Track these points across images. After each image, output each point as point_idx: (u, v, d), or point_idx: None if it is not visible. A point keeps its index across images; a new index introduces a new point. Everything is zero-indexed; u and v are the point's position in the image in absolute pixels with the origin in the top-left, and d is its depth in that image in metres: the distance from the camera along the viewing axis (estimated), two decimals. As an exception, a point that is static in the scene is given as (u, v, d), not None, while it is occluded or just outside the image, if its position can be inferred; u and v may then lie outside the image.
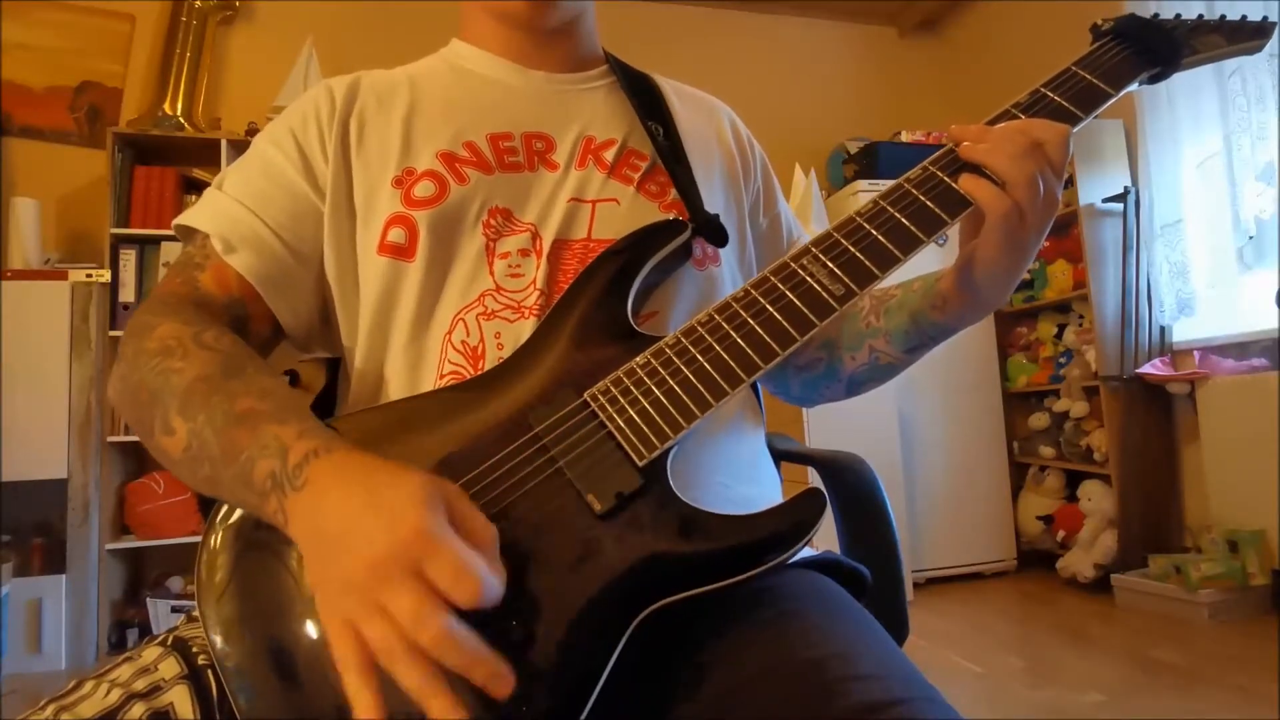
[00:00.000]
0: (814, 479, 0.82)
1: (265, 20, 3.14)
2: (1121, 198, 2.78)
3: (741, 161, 0.78)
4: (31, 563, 2.35)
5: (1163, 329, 2.75)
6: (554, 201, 0.64)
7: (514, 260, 0.61)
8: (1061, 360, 3.01)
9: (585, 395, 0.52)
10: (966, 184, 0.56)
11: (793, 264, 0.56)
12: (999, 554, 3.06)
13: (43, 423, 2.39)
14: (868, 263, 0.55)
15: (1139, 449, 2.70)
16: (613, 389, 0.52)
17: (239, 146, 2.71)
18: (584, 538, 0.48)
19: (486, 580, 0.40)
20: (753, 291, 0.55)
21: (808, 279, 0.55)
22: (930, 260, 0.57)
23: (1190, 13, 0.69)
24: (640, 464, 0.49)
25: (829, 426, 2.65)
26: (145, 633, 2.45)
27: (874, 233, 0.56)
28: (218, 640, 0.48)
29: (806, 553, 0.62)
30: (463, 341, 0.59)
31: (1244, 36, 0.68)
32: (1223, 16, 0.68)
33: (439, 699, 0.39)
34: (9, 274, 2.46)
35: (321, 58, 2.83)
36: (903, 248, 0.55)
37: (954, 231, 0.59)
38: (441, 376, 0.59)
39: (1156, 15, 0.67)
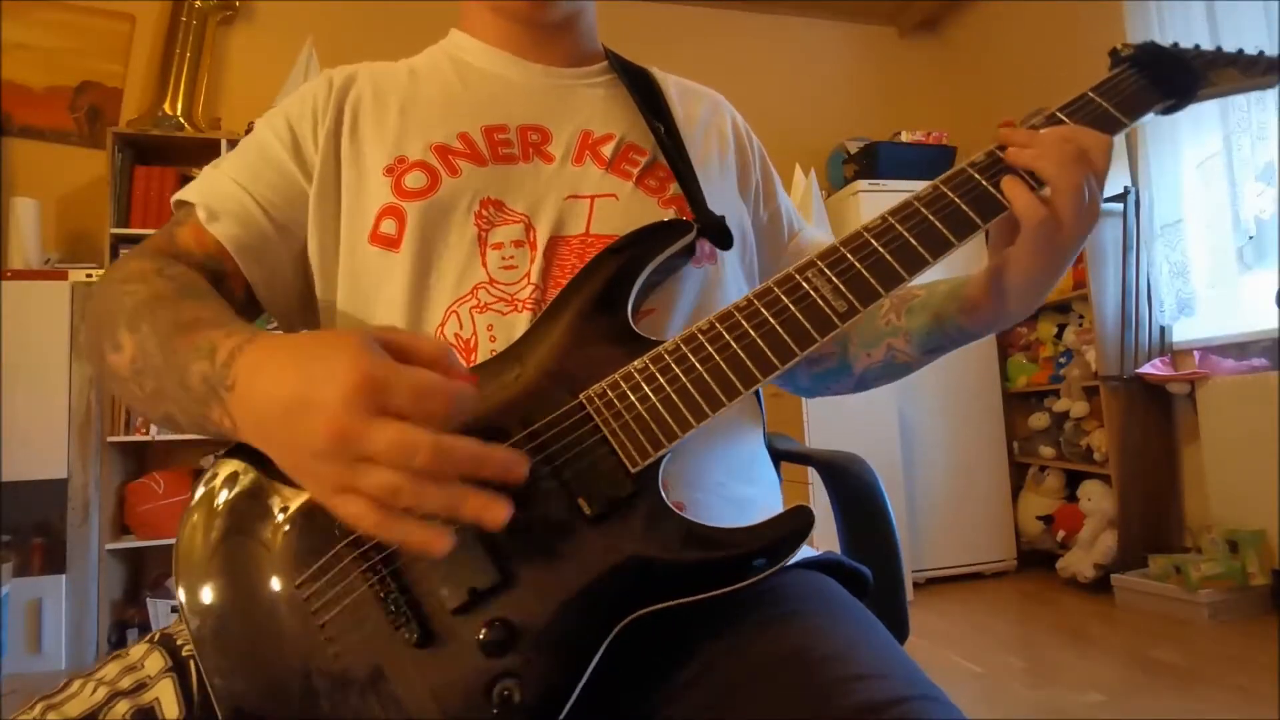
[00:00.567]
0: (814, 479, 0.81)
1: (265, 20, 3.14)
2: (1121, 198, 2.78)
3: (740, 156, 0.78)
4: (31, 563, 2.35)
5: (1163, 329, 2.75)
6: (548, 193, 0.63)
7: (508, 251, 0.61)
8: (1061, 360, 3.01)
9: (581, 397, 0.51)
10: (1008, 187, 0.56)
11: (798, 276, 0.55)
12: (999, 554, 3.06)
13: (43, 423, 2.39)
14: (872, 279, 0.54)
15: (1139, 449, 2.70)
16: (609, 392, 0.51)
17: (239, 146, 2.71)
18: (572, 540, 0.48)
19: (450, 386, 0.39)
20: (756, 302, 0.55)
21: (811, 293, 0.54)
22: (950, 262, 0.57)
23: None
24: (633, 470, 0.49)
25: (829, 426, 2.65)
26: (145, 633, 2.44)
27: (880, 249, 0.55)
28: (193, 622, 0.48)
29: (807, 552, 0.63)
30: (455, 334, 0.59)
31: (1259, 71, 0.67)
32: (1240, 50, 0.68)
33: (469, 501, 0.38)
34: (9, 274, 2.46)
35: (321, 58, 2.83)
36: (908, 266, 0.55)
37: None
38: None
39: (1176, 44, 0.66)
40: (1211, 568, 2.29)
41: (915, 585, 2.87)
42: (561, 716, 0.44)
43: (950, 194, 0.57)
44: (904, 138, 3.39)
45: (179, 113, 2.83)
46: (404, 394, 0.38)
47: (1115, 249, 2.79)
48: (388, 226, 0.61)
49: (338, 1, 3.18)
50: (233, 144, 2.75)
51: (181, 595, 0.49)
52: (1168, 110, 0.65)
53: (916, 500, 2.95)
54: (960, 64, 3.88)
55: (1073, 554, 2.76)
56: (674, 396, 0.51)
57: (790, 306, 0.54)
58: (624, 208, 0.64)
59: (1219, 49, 0.68)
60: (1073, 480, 2.94)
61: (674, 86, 0.77)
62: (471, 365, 0.57)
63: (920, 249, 0.55)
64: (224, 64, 3.08)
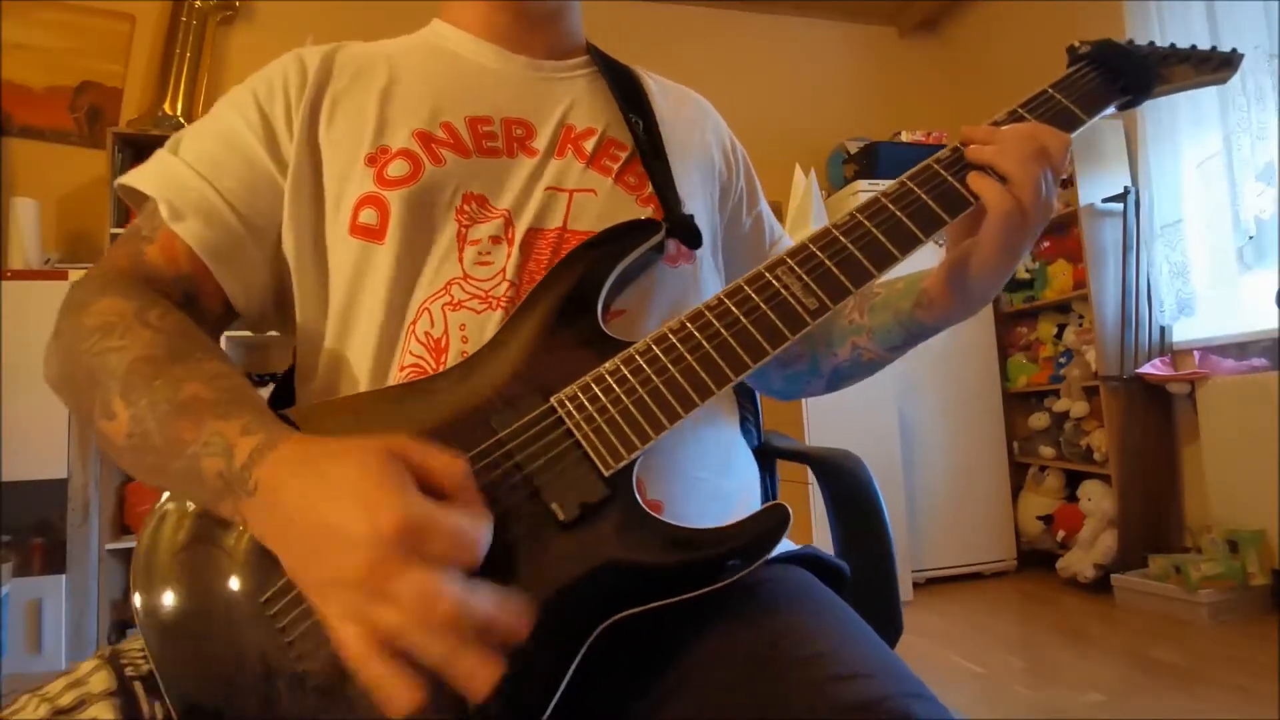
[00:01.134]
0: (814, 477, 0.82)
1: (265, 20, 3.14)
2: (1121, 198, 2.78)
3: (724, 161, 0.77)
4: (31, 563, 2.35)
5: (1163, 329, 2.75)
6: (531, 189, 0.62)
7: (484, 247, 0.59)
8: (1061, 360, 3.01)
9: (552, 400, 0.51)
10: (975, 182, 0.57)
11: (768, 275, 0.56)
12: (999, 554, 3.06)
13: (43, 423, 2.39)
14: (841, 276, 0.55)
15: (1139, 449, 2.70)
16: (580, 395, 0.51)
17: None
18: (547, 547, 0.47)
19: (480, 536, 0.40)
20: (726, 301, 0.55)
21: (782, 291, 0.54)
22: (918, 257, 0.57)
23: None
24: (606, 474, 0.49)
25: (829, 425, 2.65)
26: (145, 633, 2.44)
27: (849, 246, 0.56)
28: (155, 645, 0.47)
29: (787, 547, 0.62)
30: (426, 333, 0.57)
31: (1211, 68, 0.69)
32: (1193, 46, 0.70)
33: (467, 658, 0.38)
34: (9, 274, 2.46)
35: (321, 58, 2.83)
36: (877, 262, 0.55)
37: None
38: (402, 369, 0.57)
39: (1131, 41, 0.68)
40: (1211, 568, 2.29)
41: (915, 585, 2.86)
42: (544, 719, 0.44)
43: (917, 190, 0.58)
44: (904, 138, 3.39)
45: (179, 113, 2.83)
46: (440, 542, 0.39)
47: (1115, 249, 2.79)
48: (368, 216, 0.59)
49: (338, 1, 3.18)
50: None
51: (139, 608, 0.48)
52: (1125, 106, 0.66)
53: (916, 500, 2.94)
54: (960, 64, 3.88)
55: (1073, 554, 2.76)
56: (646, 398, 0.50)
57: (761, 305, 0.54)
58: (601, 204, 0.63)
59: (1173, 46, 0.69)
60: (1073, 480, 2.94)
61: (655, 85, 0.76)
62: (441, 367, 0.56)
63: (889, 245, 0.56)
64: (224, 64, 3.08)
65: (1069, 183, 2.79)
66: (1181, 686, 1.85)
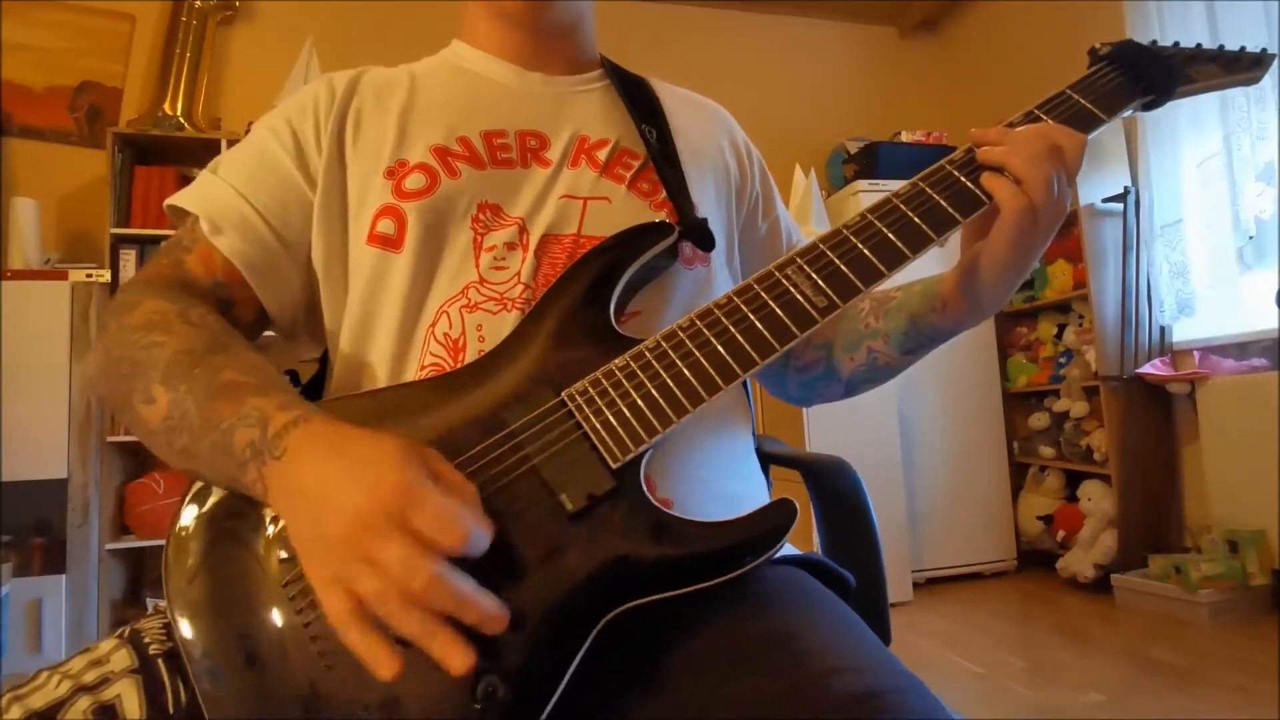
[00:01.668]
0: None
1: (265, 20, 3.14)
2: (1121, 198, 2.78)
3: (739, 167, 0.78)
4: (31, 563, 2.35)
5: (1163, 329, 2.75)
6: (545, 197, 0.64)
7: (500, 253, 0.62)
8: (1061, 360, 3.01)
9: (563, 395, 0.52)
10: (988, 182, 0.57)
11: (777, 273, 0.56)
12: (999, 554, 3.06)
13: (43, 423, 2.39)
14: (851, 275, 0.55)
15: (1139, 449, 2.70)
16: (590, 390, 0.52)
17: (239, 146, 2.71)
18: (554, 537, 0.48)
19: (471, 527, 0.41)
20: (736, 299, 0.55)
21: (791, 289, 0.55)
22: (928, 262, 0.57)
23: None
24: (614, 466, 0.49)
25: (829, 427, 2.64)
26: (145, 633, 2.44)
27: (859, 245, 0.56)
28: (184, 625, 0.49)
29: (790, 551, 0.63)
30: (445, 333, 0.59)
31: (1242, 68, 0.68)
32: (1221, 46, 0.69)
33: (439, 639, 0.40)
34: (9, 274, 2.46)
35: (321, 58, 2.83)
36: (887, 261, 0.55)
37: (954, 236, 0.59)
38: (422, 368, 0.59)
39: (1154, 41, 0.67)
40: (1211, 568, 2.29)
41: (915, 585, 2.86)
42: (547, 711, 0.45)
43: (930, 191, 0.58)
44: (904, 138, 3.39)
45: (179, 113, 2.83)
46: (429, 515, 0.41)
47: (1115, 249, 2.79)
48: (385, 226, 0.62)
49: (338, 1, 3.18)
50: (233, 144, 2.72)
51: (171, 605, 0.50)
52: (1147, 106, 0.66)
53: (916, 500, 2.94)
54: (960, 64, 3.88)
55: (1073, 554, 2.76)
56: (654, 393, 0.51)
57: (770, 303, 0.55)
58: (616, 211, 0.65)
59: (1199, 46, 0.68)
60: (1073, 480, 2.94)
61: (669, 94, 0.78)
62: (459, 365, 0.58)
63: (900, 245, 0.56)
64: (224, 64, 3.08)
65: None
66: (1181, 686, 1.85)
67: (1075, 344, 2.93)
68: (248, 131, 0.70)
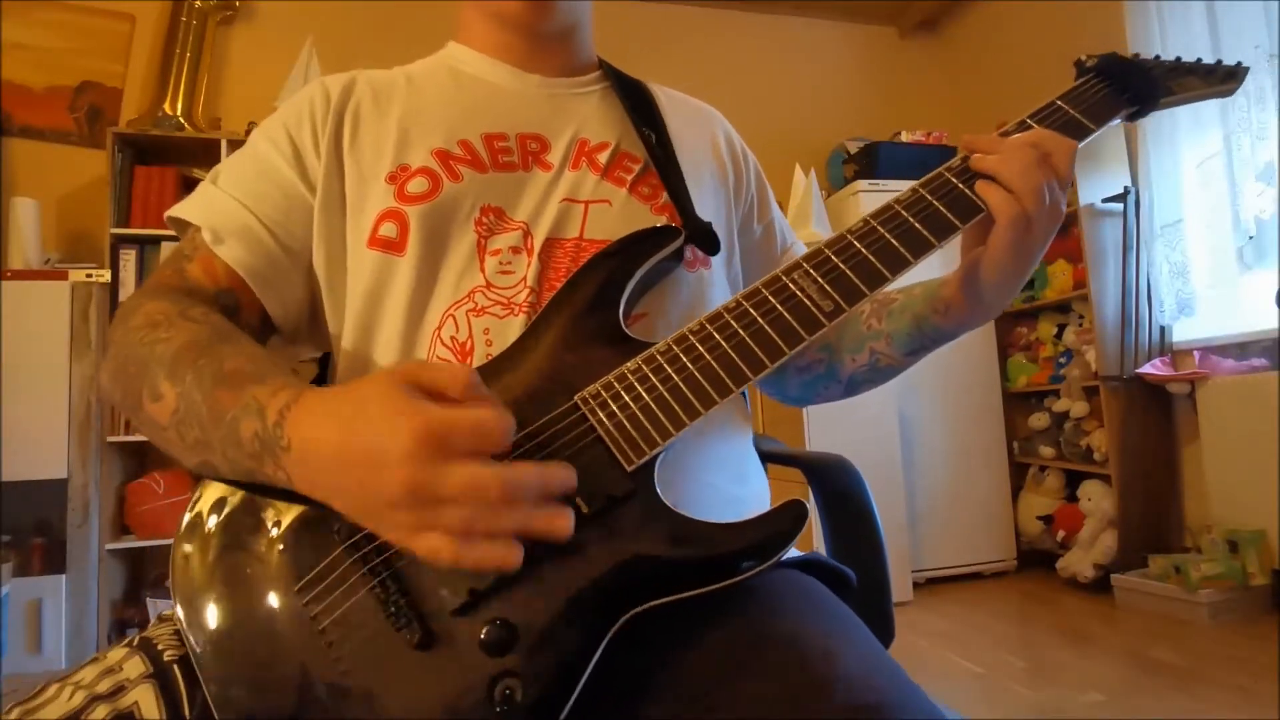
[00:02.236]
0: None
1: (265, 20, 3.14)
2: (1121, 198, 2.78)
3: (735, 170, 0.78)
4: (31, 563, 2.35)
5: (1163, 329, 2.75)
6: (547, 201, 0.64)
7: (505, 257, 0.62)
8: (1061, 360, 3.01)
9: (576, 398, 0.52)
10: (982, 189, 0.58)
11: (784, 278, 0.57)
12: (999, 554, 3.06)
13: (43, 423, 2.39)
14: (856, 279, 0.56)
15: (1139, 449, 2.70)
16: (603, 393, 0.52)
17: (239, 146, 2.69)
18: (571, 539, 0.48)
19: (501, 419, 0.42)
20: (744, 303, 0.56)
21: (798, 293, 0.56)
22: (929, 266, 0.57)
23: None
24: (629, 469, 0.50)
25: (829, 427, 2.64)
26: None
27: (863, 250, 0.57)
28: (194, 631, 0.49)
29: (791, 553, 0.63)
30: (451, 337, 0.60)
31: (1218, 80, 0.71)
32: (1198, 59, 0.72)
33: (536, 519, 0.42)
34: (9, 274, 2.46)
35: (321, 58, 2.83)
36: (891, 266, 0.56)
37: (955, 240, 0.59)
38: None
39: (1137, 55, 0.70)
40: (1211, 568, 2.29)
41: (915, 585, 2.86)
42: (565, 713, 0.45)
43: (929, 197, 0.59)
44: (904, 138, 3.39)
45: (179, 113, 2.83)
46: (464, 437, 0.41)
47: (1115, 249, 2.79)
48: (388, 230, 0.62)
49: (338, 1, 3.18)
50: (233, 144, 2.76)
51: (180, 613, 0.50)
52: (1132, 117, 0.68)
53: (916, 500, 2.94)
54: (960, 64, 3.88)
55: (1073, 554, 2.76)
56: (667, 395, 0.52)
57: (778, 306, 0.55)
58: (617, 214, 0.65)
59: (1179, 59, 0.71)
60: (1073, 480, 2.94)
61: (666, 98, 0.78)
62: None
63: (902, 250, 0.57)
64: (224, 64, 3.08)
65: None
66: (1181, 686, 1.85)
67: (1075, 344, 2.93)
68: (248, 132, 0.70)
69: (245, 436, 0.47)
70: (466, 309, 0.60)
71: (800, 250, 0.83)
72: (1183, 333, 2.73)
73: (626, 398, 0.52)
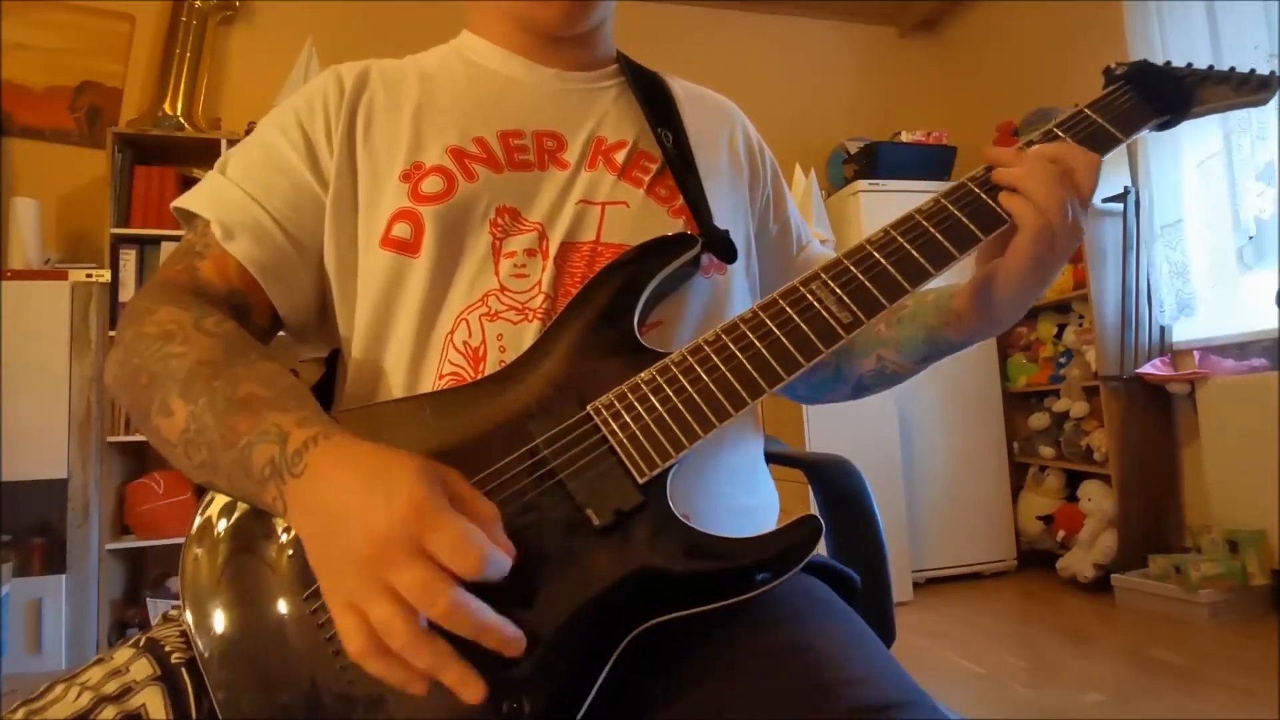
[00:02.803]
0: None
1: (265, 20, 3.14)
2: (1121, 198, 2.78)
3: (751, 168, 0.77)
4: (31, 563, 2.35)
5: (1163, 329, 2.75)
6: (563, 202, 0.63)
7: (520, 260, 0.60)
8: (1061, 360, 3.01)
9: (588, 408, 0.51)
10: (1006, 200, 0.56)
11: (802, 289, 0.56)
12: (999, 554, 3.06)
13: (43, 423, 2.39)
14: (875, 291, 0.55)
15: (1139, 449, 2.70)
16: (616, 403, 0.51)
17: (239, 146, 2.70)
18: (581, 552, 0.47)
19: (489, 551, 0.40)
20: (761, 314, 0.55)
21: (816, 305, 0.55)
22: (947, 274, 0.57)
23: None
24: (641, 481, 0.49)
25: (829, 427, 2.64)
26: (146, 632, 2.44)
27: (883, 261, 0.56)
28: (201, 635, 0.48)
29: None
30: (464, 342, 0.58)
31: (1250, 89, 0.69)
32: (1232, 68, 0.70)
33: (450, 670, 0.39)
34: (9, 274, 2.46)
35: (321, 58, 2.83)
36: (911, 278, 0.55)
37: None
38: (440, 377, 0.58)
39: (1168, 63, 0.68)
40: (1211, 568, 2.29)
41: (915, 585, 2.86)
42: None
43: (951, 207, 0.57)
44: (904, 138, 3.39)
45: (179, 113, 2.83)
46: (445, 539, 0.39)
47: (1115, 249, 2.79)
48: (401, 230, 0.60)
49: (338, 1, 3.18)
50: (233, 144, 2.73)
51: (189, 616, 0.49)
52: (1162, 126, 0.66)
53: (916, 500, 2.94)
54: (960, 64, 3.88)
55: (1073, 554, 2.76)
56: (681, 407, 0.51)
57: (795, 318, 0.54)
58: (634, 216, 0.64)
59: (1211, 68, 0.69)
60: (1073, 480, 2.94)
61: (684, 93, 0.76)
62: (480, 375, 0.57)
63: (923, 261, 0.55)
64: (224, 64, 3.08)
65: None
66: (1181, 686, 1.85)
67: (1075, 344, 2.93)
68: (248, 132, 0.69)
69: (258, 463, 0.46)
70: (480, 313, 0.59)
71: (817, 249, 0.82)
72: (1183, 333, 2.73)
73: (640, 409, 0.51)
